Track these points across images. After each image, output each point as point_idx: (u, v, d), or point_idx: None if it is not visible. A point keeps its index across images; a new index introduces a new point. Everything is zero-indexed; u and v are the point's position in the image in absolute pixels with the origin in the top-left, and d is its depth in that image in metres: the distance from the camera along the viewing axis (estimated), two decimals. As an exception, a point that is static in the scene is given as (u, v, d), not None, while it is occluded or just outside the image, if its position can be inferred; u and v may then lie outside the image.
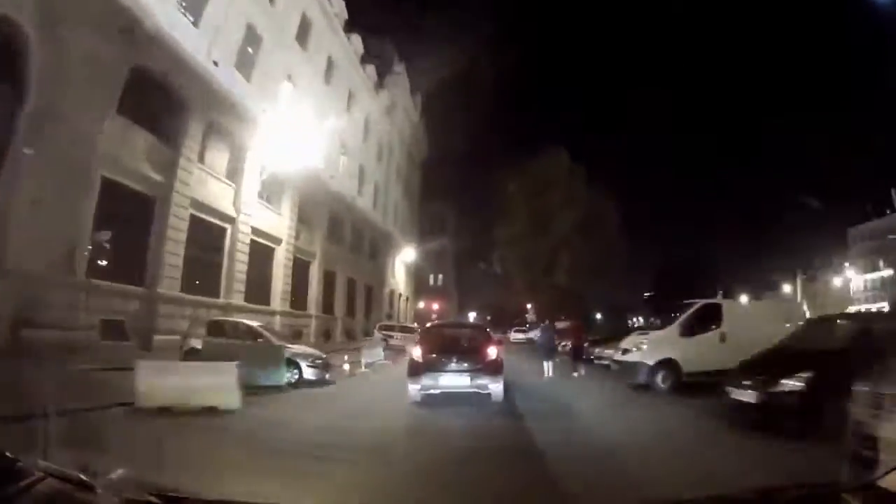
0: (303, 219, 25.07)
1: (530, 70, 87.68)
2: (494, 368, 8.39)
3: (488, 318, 57.06)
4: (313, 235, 26.49)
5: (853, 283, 57.93)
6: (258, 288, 21.44)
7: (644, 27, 72.66)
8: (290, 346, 11.92)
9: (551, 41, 78.33)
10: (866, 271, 57.66)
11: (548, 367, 13.26)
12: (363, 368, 14.55)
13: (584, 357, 15.01)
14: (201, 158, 17.89)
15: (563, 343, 17.20)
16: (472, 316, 65.37)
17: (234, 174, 19.78)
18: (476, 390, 8.25)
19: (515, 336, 37.67)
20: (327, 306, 28.19)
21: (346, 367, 13.76)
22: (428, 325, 12.00)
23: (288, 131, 21.88)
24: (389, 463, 5.20)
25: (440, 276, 62.00)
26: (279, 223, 22.91)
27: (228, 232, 19.36)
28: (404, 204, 47.03)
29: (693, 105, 74.94)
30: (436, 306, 53.20)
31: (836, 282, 58.14)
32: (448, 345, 8.92)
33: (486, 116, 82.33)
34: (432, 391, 8.32)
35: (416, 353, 8.65)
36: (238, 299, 19.39)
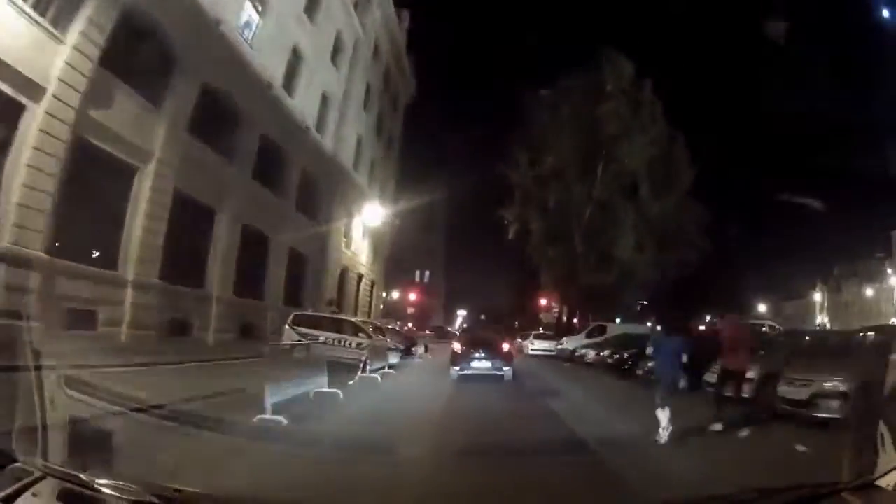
0: (123, 69, 11.20)
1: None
2: (507, 357, 12.59)
3: (482, 318, 46.80)
4: (154, 117, 12.49)
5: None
6: None
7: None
8: None
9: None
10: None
11: (665, 417, 5.61)
12: None
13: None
14: None
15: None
16: (461, 314, 53.11)
17: None
18: (494, 372, 12.05)
19: (536, 346, 23.14)
20: (183, 270, 14.07)
21: None
22: (460, 330, 16.66)
23: None
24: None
25: (427, 273, 51.88)
26: (45, 51, 9.17)
27: None
28: (374, 146, 32.91)
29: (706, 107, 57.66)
30: (413, 297, 39.28)
31: (869, 291, 50.47)
32: (476, 341, 13.04)
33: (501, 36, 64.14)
34: (466, 371, 12.02)
35: (456, 346, 13.08)
36: None
